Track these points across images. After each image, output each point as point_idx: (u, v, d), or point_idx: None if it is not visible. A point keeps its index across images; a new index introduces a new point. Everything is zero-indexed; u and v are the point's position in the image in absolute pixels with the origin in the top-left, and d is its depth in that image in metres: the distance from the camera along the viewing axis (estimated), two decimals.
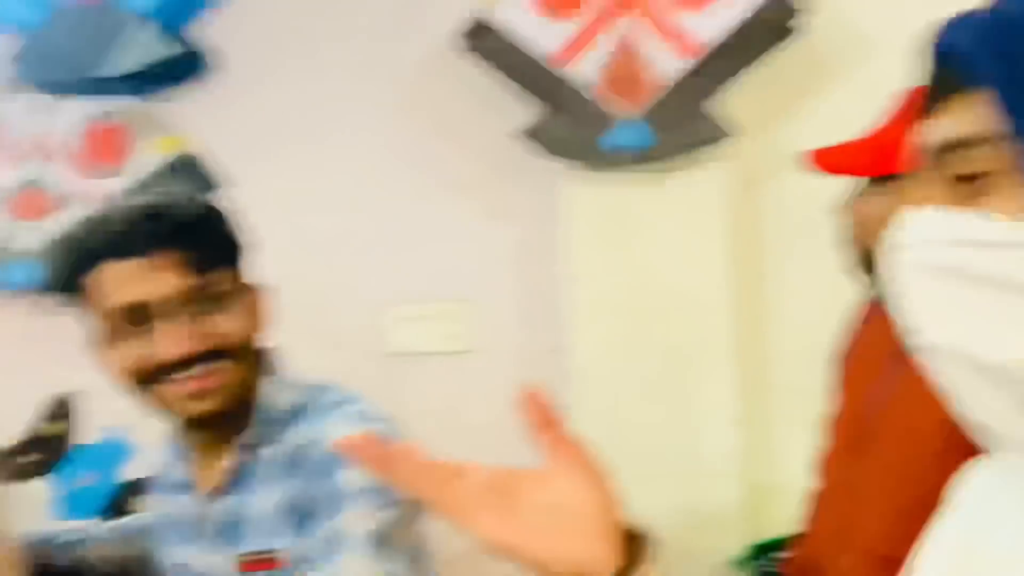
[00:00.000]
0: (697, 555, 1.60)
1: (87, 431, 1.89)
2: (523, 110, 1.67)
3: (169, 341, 0.95)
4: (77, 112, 1.84)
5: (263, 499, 1.00)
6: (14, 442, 1.90)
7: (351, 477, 0.91)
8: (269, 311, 1.06)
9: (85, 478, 1.88)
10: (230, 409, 0.99)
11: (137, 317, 0.95)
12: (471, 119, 1.78)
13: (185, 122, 1.86)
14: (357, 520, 0.90)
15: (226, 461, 1.02)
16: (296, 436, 1.01)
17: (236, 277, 1.03)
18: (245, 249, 1.04)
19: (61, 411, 1.87)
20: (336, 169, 1.85)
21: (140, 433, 1.90)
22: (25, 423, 1.89)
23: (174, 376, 0.96)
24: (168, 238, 0.96)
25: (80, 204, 1.80)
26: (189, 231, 0.97)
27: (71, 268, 0.99)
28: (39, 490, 1.89)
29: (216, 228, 1.02)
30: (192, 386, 0.96)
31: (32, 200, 1.85)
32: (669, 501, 1.61)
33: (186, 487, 1.08)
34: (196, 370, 0.96)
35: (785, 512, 1.55)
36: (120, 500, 1.87)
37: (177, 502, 1.08)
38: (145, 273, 0.95)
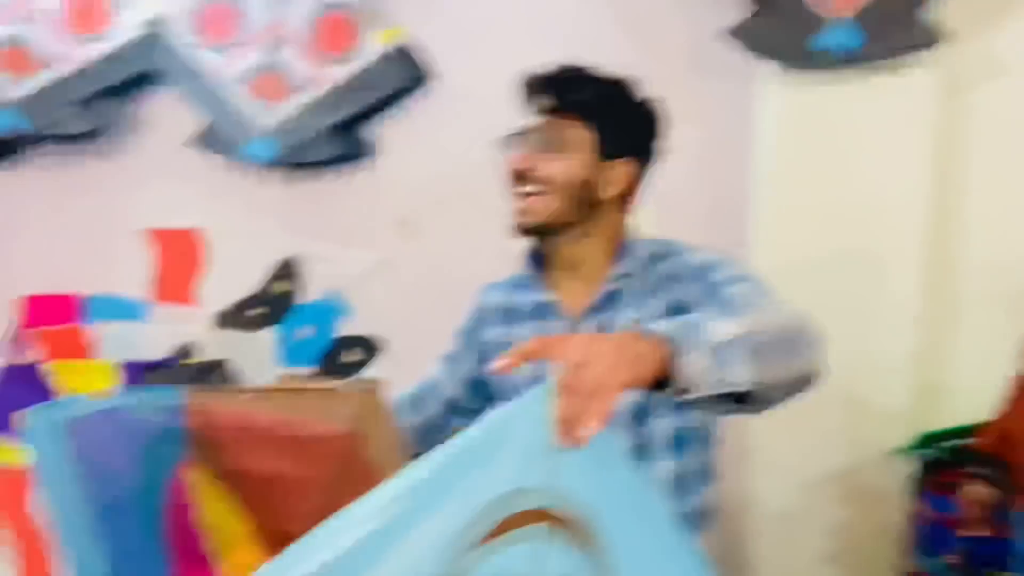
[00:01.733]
0: (865, 444, 1.69)
1: (308, 290, 2.15)
2: (729, 9, 1.72)
3: (513, 159, 1.19)
4: (310, 2, 2.03)
5: (628, 317, 1.18)
6: (245, 297, 2.18)
7: (723, 272, 1.12)
8: (622, 179, 1.22)
9: (304, 331, 2.15)
10: (544, 231, 1.19)
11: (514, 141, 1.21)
12: (674, 15, 1.84)
13: (402, 14, 2.02)
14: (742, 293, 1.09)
15: (595, 287, 1.21)
16: (660, 269, 1.20)
17: (586, 134, 1.19)
18: (607, 119, 1.20)
19: (287, 272, 2.14)
20: (534, 65, 1.97)
21: (353, 295, 2.15)
22: (257, 282, 2.17)
23: (515, 190, 1.17)
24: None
25: (311, 88, 2.00)
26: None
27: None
28: (265, 340, 2.18)
29: (587, 89, 1.19)
30: (518, 204, 1.18)
31: (268, 83, 2.07)
32: (842, 392, 1.69)
33: (550, 310, 1.25)
34: (523, 191, 1.18)
35: (952, 412, 1.62)
36: (333, 353, 2.13)
37: (544, 325, 1.26)
38: None
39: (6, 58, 2.05)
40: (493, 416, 0.68)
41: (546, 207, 1.19)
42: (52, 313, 2.27)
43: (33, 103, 2.07)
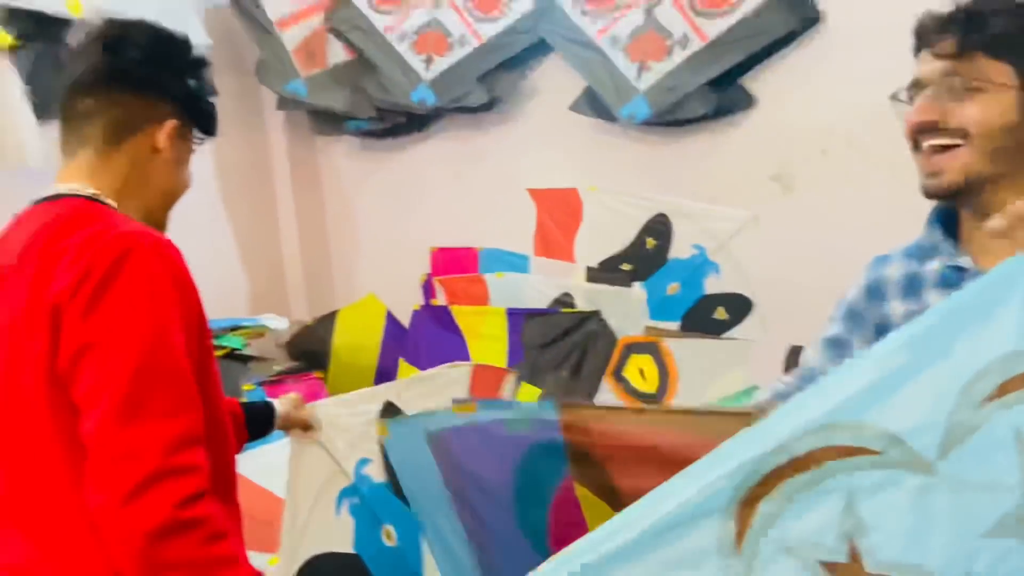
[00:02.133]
0: None
1: (678, 247, 2.19)
2: None
3: (915, 110, 1.04)
4: None
5: None
6: (617, 253, 2.29)
7: None
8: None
9: (673, 287, 2.20)
10: (961, 191, 1.04)
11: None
12: None
13: None
14: None
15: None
16: None
17: (1009, 76, 1.05)
18: None
19: (658, 228, 2.20)
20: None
21: (723, 252, 2.14)
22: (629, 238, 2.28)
23: (922, 146, 1.05)
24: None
25: (690, 45, 2.01)
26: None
27: None
28: (635, 295, 2.28)
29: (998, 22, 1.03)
30: (925, 162, 1.05)
31: (646, 44, 2.13)
32: None
33: (966, 278, 1.05)
34: (931, 146, 1.04)
35: None
36: (700, 309, 2.16)
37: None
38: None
39: (424, 41, 2.37)
40: (984, 279, 0.66)
41: (963, 163, 1.04)
42: (455, 263, 2.61)
43: (441, 80, 2.37)
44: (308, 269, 2.84)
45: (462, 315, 2.49)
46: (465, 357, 2.47)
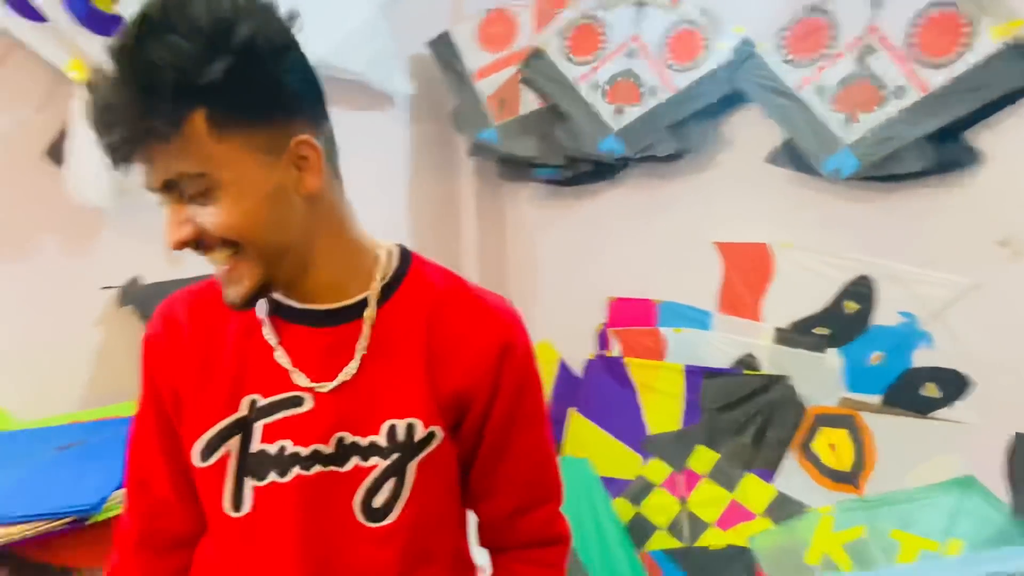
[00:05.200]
0: None
1: (883, 313, 2.01)
2: None
3: None
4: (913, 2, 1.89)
5: None
6: (812, 314, 2.14)
7: None
8: None
9: (875, 357, 2.01)
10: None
11: None
12: None
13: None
14: None
15: None
16: None
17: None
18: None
19: (861, 291, 2.03)
20: None
21: (936, 322, 1.93)
22: (826, 300, 2.11)
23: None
24: None
25: (905, 96, 1.86)
26: None
27: None
28: (829, 362, 2.10)
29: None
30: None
31: (856, 94, 1.99)
32: None
33: None
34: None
35: None
36: (906, 384, 1.95)
37: None
38: None
39: (616, 91, 2.36)
40: None
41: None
42: (632, 314, 2.55)
43: (630, 130, 2.34)
44: None
45: (637, 368, 2.42)
46: (636, 411, 2.39)
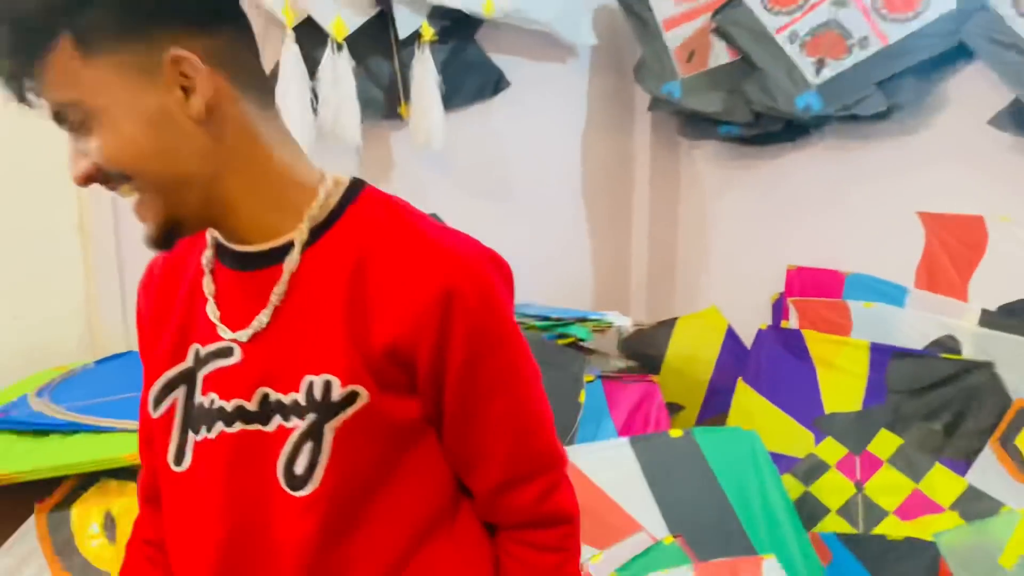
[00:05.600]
0: None
1: None
2: None
3: None
4: None
5: None
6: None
7: None
8: None
9: None
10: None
11: None
12: None
13: None
14: None
15: None
16: None
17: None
18: None
19: None
20: None
21: None
22: None
23: None
24: None
25: None
26: None
27: None
28: None
29: None
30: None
31: None
32: None
33: None
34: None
35: None
36: None
37: None
38: None
39: (818, 43, 2.20)
40: None
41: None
42: (814, 285, 2.40)
43: (831, 85, 2.18)
44: (653, 272, 2.81)
45: (816, 342, 2.28)
46: (813, 387, 2.26)
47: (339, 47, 2.02)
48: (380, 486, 0.81)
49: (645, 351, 2.59)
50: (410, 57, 2.16)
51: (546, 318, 2.20)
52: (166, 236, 0.78)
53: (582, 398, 2.07)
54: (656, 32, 2.47)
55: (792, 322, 2.35)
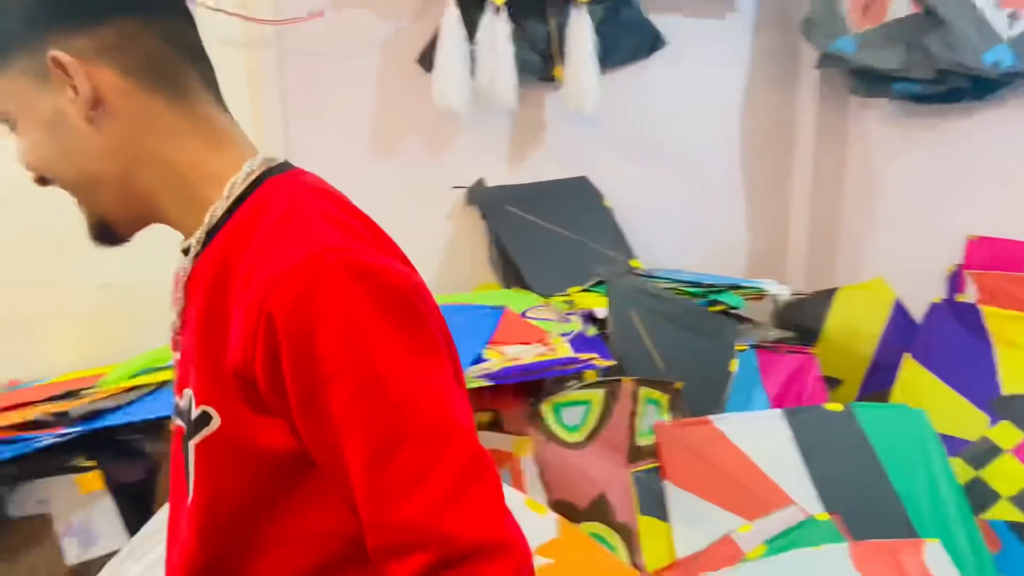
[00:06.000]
0: None
1: None
2: None
3: None
4: None
5: None
6: None
7: None
8: None
9: None
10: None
11: None
12: None
13: None
14: None
15: None
16: None
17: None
18: None
19: None
20: None
21: None
22: None
23: None
24: None
25: None
26: None
27: None
28: None
29: None
30: None
31: None
32: None
33: None
34: None
35: None
36: None
37: None
38: None
39: None
40: None
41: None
42: (998, 257, 2.22)
43: None
44: (814, 238, 2.69)
45: (995, 318, 2.11)
46: (989, 365, 2.11)
47: (497, 9, 2.05)
48: (266, 514, 0.73)
49: (802, 322, 2.49)
50: (566, 18, 2.15)
51: (698, 284, 2.17)
52: (102, 233, 0.78)
53: (733, 367, 2.03)
54: None
55: (970, 296, 2.19)
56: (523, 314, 1.95)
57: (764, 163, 2.65)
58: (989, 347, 2.10)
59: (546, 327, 1.88)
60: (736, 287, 2.21)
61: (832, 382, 2.31)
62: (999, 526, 1.94)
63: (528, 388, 1.74)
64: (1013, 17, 2.01)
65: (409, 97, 2.13)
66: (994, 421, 2.05)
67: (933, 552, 1.60)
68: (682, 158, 2.49)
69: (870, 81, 2.35)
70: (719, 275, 2.31)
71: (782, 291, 2.25)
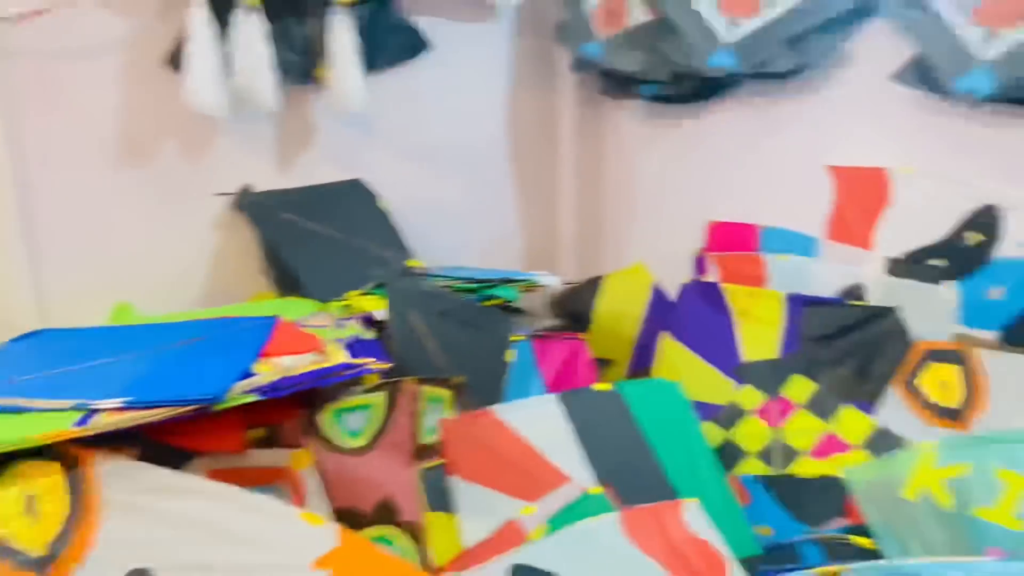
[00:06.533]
0: None
1: (1006, 246, 1.90)
2: None
3: None
4: None
5: None
6: (928, 245, 2.03)
7: None
8: None
9: (994, 292, 1.91)
10: None
11: None
12: None
13: None
14: None
15: None
16: None
17: None
18: None
19: (984, 221, 1.91)
20: None
21: None
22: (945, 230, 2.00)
23: None
24: None
25: None
26: None
27: None
28: (944, 295, 2.01)
29: None
30: None
31: (998, 7, 1.83)
32: None
33: None
34: None
35: None
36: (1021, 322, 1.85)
37: None
38: None
39: (732, 1, 2.24)
40: None
41: None
42: (733, 239, 2.48)
43: (744, 44, 2.23)
44: (581, 231, 2.86)
45: (734, 295, 2.36)
46: (732, 338, 2.35)
47: (250, 9, 1.98)
48: None
49: (574, 309, 2.64)
50: (326, 19, 2.12)
51: (473, 280, 2.23)
52: None
53: (510, 357, 2.11)
54: None
55: (712, 275, 2.43)
56: (298, 322, 1.91)
57: (530, 160, 2.77)
58: (729, 320, 2.35)
59: (322, 334, 1.84)
60: (510, 280, 2.30)
61: (604, 363, 2.47)
62: (748, 480, 2.17)
63: (305, 398, 1.70)
64: (733, 24, 2.25)
65: (160, 100, 2.00)
66: (738, 386, 2.29)
67: (691, 511, 1.75)
68: (454, 157, 2.55)
69: (618, 83, 2.53)
70: (495, 270, 2.39)
71: (553, 281, 2.37)
